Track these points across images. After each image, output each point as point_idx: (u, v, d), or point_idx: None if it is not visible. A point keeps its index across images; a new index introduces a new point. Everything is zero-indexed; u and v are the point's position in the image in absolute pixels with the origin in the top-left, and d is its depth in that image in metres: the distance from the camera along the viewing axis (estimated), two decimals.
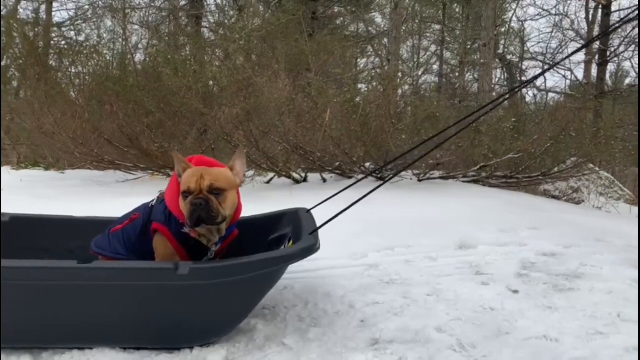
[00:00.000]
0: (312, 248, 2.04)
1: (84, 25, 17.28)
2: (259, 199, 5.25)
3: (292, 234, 2.49)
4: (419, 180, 6.00)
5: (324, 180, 6.21)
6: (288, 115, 5.44)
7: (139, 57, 12.57)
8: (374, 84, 8.67)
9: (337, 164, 5.99)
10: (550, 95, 18.01)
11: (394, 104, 5.97)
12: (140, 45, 15.77)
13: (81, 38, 15.36)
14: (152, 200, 2.22)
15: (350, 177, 6.16)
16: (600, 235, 3.78)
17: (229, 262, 1.94)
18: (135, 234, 2.18)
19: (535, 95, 17.68)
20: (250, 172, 5.84)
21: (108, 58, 10.73)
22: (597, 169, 6.73)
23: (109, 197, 5.57)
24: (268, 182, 6.35)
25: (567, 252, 3.25)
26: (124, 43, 14.54)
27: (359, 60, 18.53)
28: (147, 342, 1.97)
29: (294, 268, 3.01)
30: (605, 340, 2.00)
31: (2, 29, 7.49)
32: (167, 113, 6.12)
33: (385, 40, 17.17)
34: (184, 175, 1.99)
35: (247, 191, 5.95)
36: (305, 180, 6.29)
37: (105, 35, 15.96)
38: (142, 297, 1.90)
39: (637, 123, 6.09)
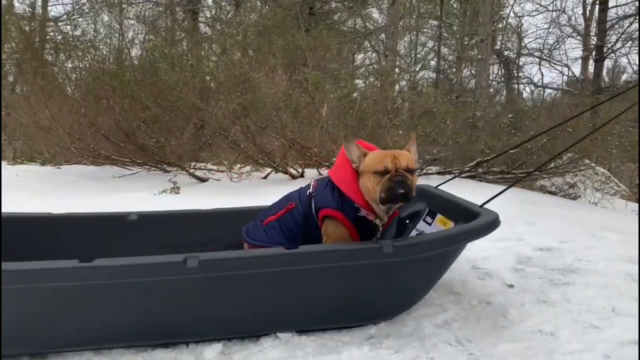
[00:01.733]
0: (496, 222, 2.17)
1: (80, 19, 17.18)
2: (256, 195, 5.25)
3: (428, 208, 2.62)
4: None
5: (321, 176, 6.21)
6: (285, 110, 5.43)
7: (135, 52, 12.51)
8: (371, 79, 8.66)
9: (334, 159, 5.99)
10: (548, 91, 18.06)
11: (391, 99, 5.96)
12: (136, 40, 15.70)
13: (77, 32, 15.26)
14: (307, 189, 2.25)
15: None
16: (595, 230, 3.80)
17: (426, 237, 2.06)
18: (296, 222, 2.22)
19: (532, 92, 17.72)
20: (247, 168, 5.83)
21: (105, 53, 10.68)
22: (593, 164, 6.75)
23: (105, 192, 5.57)
24: (265, 178, 6.35)
25: (562, 247, 3.26)
26: (120, 38, 14.49)
27: (356, 55, 18.50)
28: (343, 321, 2.10)
29: None
30: (600, 334, 2.01)
31: (2, 30, 7.43)
32: (164, 108, 6.10)
33: (383, 35, 17.15)
34: (371, 158, 2.03)
35: (243, 186, 5.98)
36: (302, 175, 6.28)
37: (102, 30, 15.88)
38: (347, 277, 1.97)
39: (636, 119, 6.09)
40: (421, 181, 6.10)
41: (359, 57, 19.13)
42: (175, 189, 5.39)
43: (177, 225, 2.72)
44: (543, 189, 7.30)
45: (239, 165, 6.39)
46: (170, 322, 1.91)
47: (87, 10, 16.84)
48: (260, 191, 5.58)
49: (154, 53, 6.53)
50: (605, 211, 5.75)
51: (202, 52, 7.64)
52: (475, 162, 5.82)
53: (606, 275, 2.70)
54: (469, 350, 1.93)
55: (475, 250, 3.19)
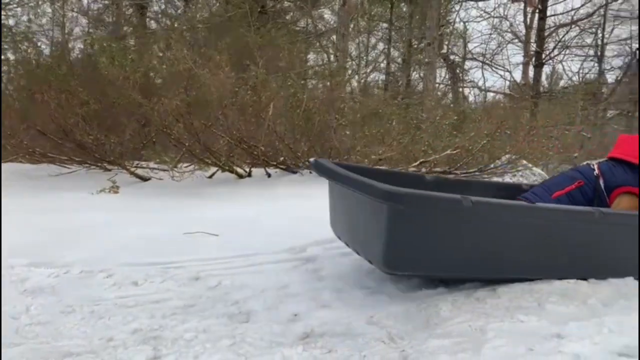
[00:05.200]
0: None
1: (18, 10, 16.22)
2: (202, 195, 5.16)
3: None
4: None
5: (269, 175, 6.15)
6: (231, 108, 5.35)
7: (79, 45, 11.98)
8: (321, 79, 8.69)
9: (282, 158, 5.96)
10: (493, 95, 18.75)
11: (338, 99, 6.00)
12: (81, 34, 15.03)
13: (11, 22, 14.41)
14: (591, 168, 2.67)
15: (294, 172, 6.15)
16: None
17: None
18: (586, 197, 2.62)
19: (475, 95, 18.35)
20: (189, 167, 5.70)
21: (43, 46, 10.16)
22: (530, 165, 7.06)
23: (38, 191, 5.29)
24: (210, 177, 6.22)
25: None
26: (63, 31, 13.84)
27: (309, 56, 18.51)
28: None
29: (224, 264, 2.98)
30: (525, 327, 2.07)
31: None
32: (104, 104, 5.86)
33: (334, 36, 17.26)
34: None
35: (187, 186, 5.84)
36: (249, 175, 6.21)
37: (35, 20, 15.04)
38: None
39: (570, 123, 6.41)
40: None
41: (312, 57, 19.16)
42: (115, 189, 5.19)
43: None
44: None
45: (184, 164, 6.24)
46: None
47: (26, 1, 15.93)
48: (206, 191, 5.47)
49: (94, 47, 6.27)
50: None
51: (147, 47, 7.40)
52: (418, 162, 5.95)
53: None
54: (401, 347, 1.95)
55: None
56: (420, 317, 2.20)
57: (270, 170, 6.27)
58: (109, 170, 6.45)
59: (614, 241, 2.46)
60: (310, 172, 6.07)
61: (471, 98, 18.65)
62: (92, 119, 5.97)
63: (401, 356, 1.88)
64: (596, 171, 2.62)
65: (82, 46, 11.06)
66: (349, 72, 18.89)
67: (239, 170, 6.08)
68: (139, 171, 6.26)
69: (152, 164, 6.43)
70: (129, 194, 5.22)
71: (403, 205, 2.09)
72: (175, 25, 12.38)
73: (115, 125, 6.34)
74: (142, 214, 4.27)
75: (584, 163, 2.80)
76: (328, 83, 6.64)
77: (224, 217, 4.09)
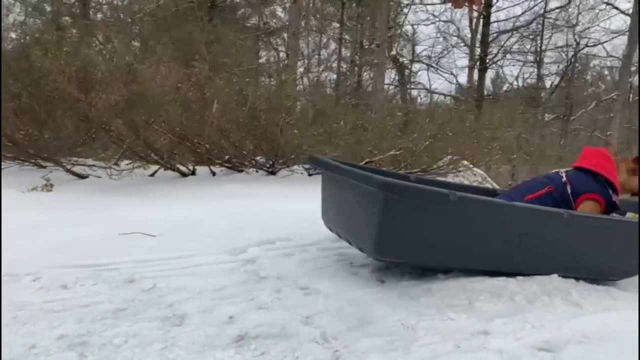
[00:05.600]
0: None
1: None
2: (140, 194, 4.99)
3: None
4: (309, 175, 6.08)
5: (213, 174, 6.04)
6: (173, 104, 5.20)
7: (12, 35, 11.28)
8: (267, 77, 8.64)
9: (227, 157, 5.87)
10: (441, 97, 19.29)
11: (286, 98, 5.98)
12: (16, 22, 14.18)
13: None
14: (560, 176, 2.97)
15: (240, 171, 6.08)
16: None
17: None
18: (555, 201, 2.85)
19: (422, 97, 18.82)
20: (129, 164, 5.51)
21: None
22: (471, 165, 7.31)
23: None
24: (152, 175, 6.04)
25: None
26: None
27: (260, 53, 18.36)
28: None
29: (161, 266, 2.91)
30: (455, 324, 2.14)
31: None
32: (38, 98, 5.55)
33: (286, 35, 17.19)
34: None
35: (126, 184, 5.63)
36: (193, 173, 6.07)
37: None
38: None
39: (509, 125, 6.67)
40: (314, 180, 6.20)
41: (264, 54, 19.02)
42: (48, 187, 4.94)
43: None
44: None
45: (125, 162, 6.02)
46: None
47: None
48: (146, 190, 5.30)
49: (27, 37, 5.93)
50: None
51: (87, 39, 7.07)
52: (364, 162, 6.02)
53: (470, 270, 2.90)
54: (334, 347, 1.96)
55: (354, 248, 3.28)
56: (355, 316, 2.22)
57: (216, 169, 6.16)
58: (44, 167, 6.13)
59: (581, 240, 2.71)
60: (257, 171, 6.03)
61: (419, 100, 19.11)
62: (24, 113, 5.64)
63: (334, 356, 1.89)
64: (564, 178, 2.93)
65: (14, 36, 10.44)
66: (301, 70, 18.93)
67: (182, 168, 5.94)
68: (76, 168, 5.98)
69: (90, 161, 6.17)
70: (64, 192, 4.98)
71: (397, 195, 2.29)
72: (121, 16, 11.93)
73: (51, 120, 6.02)
74: (76, 214, 4.09)
75: (553, 171, 3.07)
76: (276, 81, 6.59)
77: (164, 217, 3.98)
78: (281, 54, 18.11)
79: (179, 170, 5.95)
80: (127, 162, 6.06)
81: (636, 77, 14.07)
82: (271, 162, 5.80)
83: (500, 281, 2.66)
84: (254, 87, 5.38)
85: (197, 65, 5.44)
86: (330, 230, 3.07)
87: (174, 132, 5.30)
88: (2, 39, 6.40)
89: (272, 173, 5.87)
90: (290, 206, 4.40)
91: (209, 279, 2.68)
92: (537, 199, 2.88)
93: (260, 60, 17.65)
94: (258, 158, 5.96)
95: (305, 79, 19.61)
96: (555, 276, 2.75)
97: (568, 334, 2.07)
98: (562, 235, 2.63)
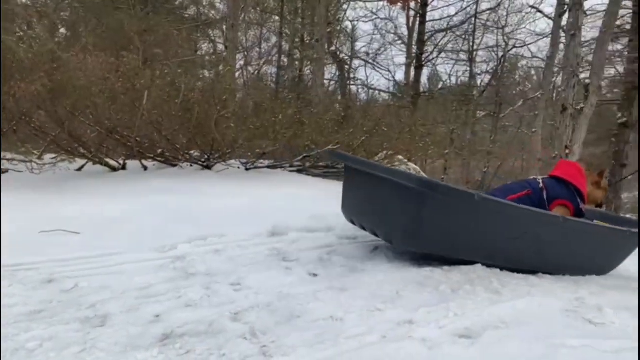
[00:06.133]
0: None
1: None
2: (65, 190, 4.72)
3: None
4: (246, 170, 6.00)
5: (145, 168, 5.82)
6: (101, 95, 4.95)
7: None
8: (200, 70, 8.44)
9: (160, 150, 5.68)
10: (379, 93, 19.66)
11: (222, 91, 5.86)
12: None
13: None
14: (537, 182, 3.28)
15: (174, 165, 5.90)
16: None
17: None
18: (532, 204, 3.10)
19: (361, 93, 19.11)
20: (51, 158, 5.19)
21: None
22: (406, 160, 7.50)
23: None
24: (79, 170, 5.73)
25: (366, 236, 3.51)
26: None
27: (199, 45, 17.89)
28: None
29: (83, 265, 2.77)
30: (382, 316, 2.18)
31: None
32: None
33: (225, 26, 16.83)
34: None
35: (50, 179, 5.31)
36: (123, 168, 5.82)
37: None
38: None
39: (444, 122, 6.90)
40: (250, 175, 6.15)
41: (204, 46, 18.55)
42: None
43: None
44: None
45: (51, 156, 5.67)
46: None
47: None
48: (72, 185, 5.02)
49: None
50: None
51: (6, 25, 6.57)
52: (301, 156, 6.04)
53: (397, 261, 2.98)
54: (262, 342, 1.95)
55: (287, 242, 3.28)
56: (284, 311, 2.21)
57: (148, 163, 5.94)
58: None
59: (571, 241, 3.07)
60: (191, 166, 5.88)
61: (358, 96, 19.37)
62: None
63: (261, 352, 1.87)
64: (541, 185, 3.26)
65: None
66: (241, 63, 18.63)
67: (112, 162, 5.68)
68: None
69: (9, 155, 5.75)
70: None
71: (435, 193, 2.58)
72: (47, 1, 11.21)
73: None
74: None
75: (532, 177, 3.44)
76: (209, 73, 6.44)
77: (90, 213, 3.79)
78: (220, 47, 17.74)
79: (108, 165, 5.68)
80: (52, 156, 5.72)
81: (559, 77, 15.03)
82: (206, 157, 5.68)
83: (427, 271, 2.76)
84: (187, 79, 5.20)
85: (127, 55, 5.20)
86: (353, 223, 3.28)
87: (103, 124, 5.05)
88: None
89: (208, 167, 5.74)
90: (226, 201, 4.33)
91: (134, 278, 2.58)
92: (517, 199, 3.16)
93: (198, 53, 17.20)
94: (192, 152, 5.80)
95: (244, 72, 19.37)
96: (479, 265, 2.88)
97: (487, 320, 2.17)
98: (557, 235, 2.96)
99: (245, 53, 19.28)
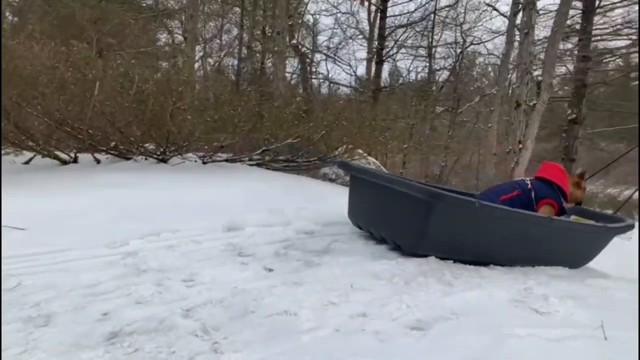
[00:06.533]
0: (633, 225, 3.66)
1: None
2: (10, 184, 4.49)
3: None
4: (204, 163, 5.89)
5: (98, 162, 5.62)
6: (50, 85, 4.73)
7: None
8: (163, 61, 8.23)
9: (113, 143, 5.49)
10: (340, 88, 19.70)
11: (178, 82, 5.72)
12: None
13: None
14: (526, 183, 3.57)
15: (128, 159, 5.72)
16: None
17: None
18: (522, 203, 3.42)
19: (323, 87, 19.11)
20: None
21: None
22: (365, 154, 7.57)
23: None
24: (27, 163, 5.48)
25: (324, 230, 3.53)
26: None
27: (156, 36, 17.39)
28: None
29: (28, 262, 2.65)
30: (336, 309, 2.19)
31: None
32: None
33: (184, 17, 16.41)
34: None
35: None
36: (75, 161, 5.60)
37: None
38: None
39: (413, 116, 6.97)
40: (208, 168, 6.04)
41: (160, 37, 18.04)
42: None
43: None
44: (325, 177, 7.92)
45: None
46: None
47: None
48: (18, 179, 4.77)
49: None
50: None
51: None
52: (260, 150, 5.98)
53: (354, 254, 3.00)
54: (214, 339, 1.92)
55: (244, 237, 3.24)
56: (238, 307, 2.19)
57: (101, 157, 5.74)
58: None
59: (556, 238, 3.34)
60: (146, 159, 5.72)
61: (321, 90, 19.35)
62: None
63: (212, 348, 1.84)
64: (529, 186, 3.54)
65: None
66: (200, 54, 18.26)
67: (62, 155, 5.45)
68: None
69: None
70: None
71: (442, 203, 2.84)
72: None
73: None
74: None
75: (520, 179, 3.74)
76: (167, 65, 6.28)
77: (37, 209, 3.61)
78: (179, 38, 17.32)
79: (58, 158, 5.45)
80: None
81: (514, 74, 15.50)
82: (162, 150, 5.53)
83: (382, 264, 2.79)
84: (140, 70, 5.04)
85: (77, 44, 4.99)
86: (359, 227, 3.55)
87: (52, 115, 4.83)
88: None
89: (163, 161, 5.59)
90: (181, 196, 4.23)
91: (82, 275, 2.49)
92: (509, 199, 3.45)
93: (158, 43, 16.74)
94: (147, 145, 5.63)
95: (204, 64, 19.01)
96: (432, 258, 2.94)
97: (439, 312, 2.22)
98: (543, 233, 3.25)
99: (205, 45, 18.89)
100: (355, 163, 3.77)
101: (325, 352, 1.79)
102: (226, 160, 6.20)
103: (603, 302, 2.63)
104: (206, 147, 5.65)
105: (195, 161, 5.89)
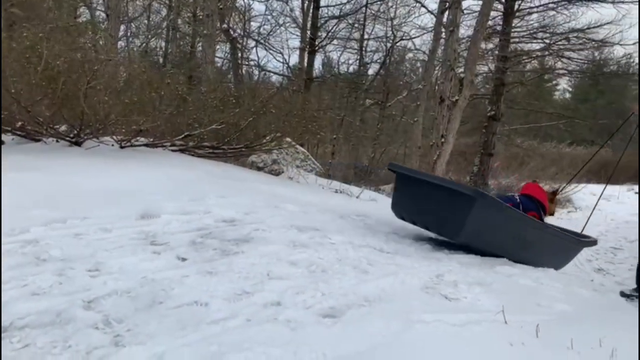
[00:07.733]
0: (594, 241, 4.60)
1: None
2: None
3: None
4: (121, 147, 5.58)
5: (2, 143, 5.15)
6: None
7: None
8: (81, 37, 7.70)
9: (20, 123, 5.06)
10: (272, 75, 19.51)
11: (92, 60, 5.36)
12: None
13: None
14: (516, 198, 4.31)
15: (37, 140, 5.30)
16: (279, 202, 4.18)
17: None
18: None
19: (253, 74, 18.82)
20: None
21: None
22: (294, 143, 7.54)
23: None
24: None
25: (245, 218, 3.46)
26: None
27: (77, 11, 16.26)
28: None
29: None
30: (249, 299, 2.15)
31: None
32: None
33: None
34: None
35: None
36: None
37: None
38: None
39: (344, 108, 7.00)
40: (126, 153, 5.72)
41: (81, 12, 16.89)
42: None
43: None
44: (254, 165, 7.81)
45: None
46: None
47: None
48: None
49: None
50: (296, 185, 6.47)
51: None
52: (183, 135, 5.76)
53: (274, 243, 2.96)
54: (117, 331, 1.81)
55: (159, 225, 3.10)
56: (146, 297, 2.08)
57: (6, 137, 5.27)
58: None
59: (545, 242, 4.00)
60: (58, 141, 5.34)
61: (252, 77, 19.04)
62: None
63: (113, 341, 1.74)
64: (518, 200, 4.26)
65: None
66: (124, 34, 17.33)
67: None
68: None
69: None
70: None
71: (484, 200, 3.44)
72: None
73: None
74: None
75: (510, 194, 4.58)
76: (85, 42, 5.88)
77: None
78: (101, 15, 16.32)
79: None
80: None
81: (437, 70, 16.10)
82: (75, 132, 5.17)
83: (300, 252, 2.78)
84: (50, 45, 4.65)
85: None
86: (403, 219, 4.12)
87: None
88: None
89: (77, 144, 5.23)
90: (94, 181, 3.97)
91: None
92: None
93: (80, 19, 15.67)
94: (59, 127, 5.24)
95: (127, 44, 18.08)
96: (349, 245, 2.97)
97: (352, 299, 2.24)
98: (537, 236, 3.86)
99: (129, 24, 17.95)
100: (403, 165, 4.85)
101: (233, 342, 1.75)
102: (146, 145, 5.91)
103: (507, 287, 2.79)
104: (124, 130, 5.35)
105: (112, 145, 5.56)
